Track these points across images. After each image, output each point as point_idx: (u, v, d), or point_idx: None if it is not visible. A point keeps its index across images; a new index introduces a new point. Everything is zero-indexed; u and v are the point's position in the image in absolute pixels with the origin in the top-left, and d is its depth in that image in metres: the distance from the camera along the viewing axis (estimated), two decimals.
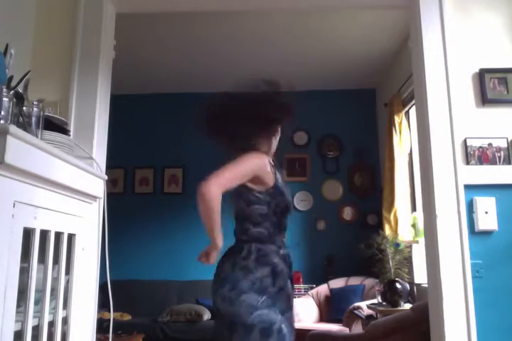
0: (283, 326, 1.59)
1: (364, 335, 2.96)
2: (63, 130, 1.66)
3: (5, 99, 1.23)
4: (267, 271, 1.66)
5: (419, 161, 2.21)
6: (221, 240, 1.64)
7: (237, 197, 1.77)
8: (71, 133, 1.84)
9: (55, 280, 1.39)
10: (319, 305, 4.42)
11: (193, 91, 5.28)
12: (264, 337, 1.54)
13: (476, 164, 1.99)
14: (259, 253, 1.68)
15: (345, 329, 3.68)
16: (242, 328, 1.56)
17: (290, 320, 1.69)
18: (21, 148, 1.13)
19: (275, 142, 1.86)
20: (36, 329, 1.27)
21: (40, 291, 1.29)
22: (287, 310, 1.69)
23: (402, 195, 4.19)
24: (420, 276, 3.72)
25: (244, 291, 1.60)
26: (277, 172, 1.80)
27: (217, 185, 1.54)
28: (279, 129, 1.85)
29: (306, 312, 4.26)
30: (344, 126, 5.24)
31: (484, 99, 2.04)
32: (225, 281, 1.64)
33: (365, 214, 5.01)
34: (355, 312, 3.64)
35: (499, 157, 1.99)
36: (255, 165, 1.68)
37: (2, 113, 1.21)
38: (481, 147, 2.00)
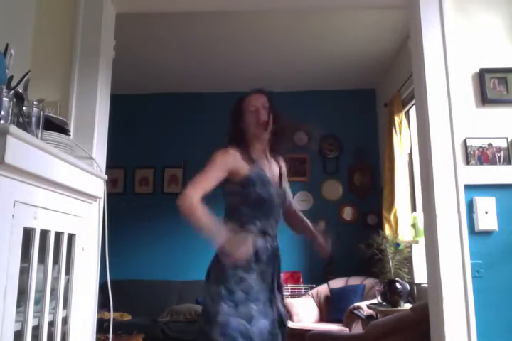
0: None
1: (364, 335, 2.96)
2: (63, 130, 1.65)
3: (5, 99, 1.22)
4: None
5: (419, 161, 2.21)
6: (222, 235, 1.67)
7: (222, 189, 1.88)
8: (71, 133, 1.84)
9: (55, 280, 1.39)
10: (319, 305, 4.42)
11: (193, 91, 5.29)
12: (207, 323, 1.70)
13: (476, 164, 1.99)
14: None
15: (345, 329, 3.68)
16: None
17: (247, 316, 1.70)
18: (21, 148, 1.13)
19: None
20: (36, 329, 1.27)
21: (40, 291, 1.29)
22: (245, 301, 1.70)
23: (402, 195, 4.19)
24: (420, 276, 3.72)
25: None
26: (258, 164, 1.88)
27: (191, 193, 1.70)
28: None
29: (306, 312, 4.26)
30: (344, 126, 5.24)
31: (484, 99, 2.04)
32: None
33: (365, 214, 5.01)
34: (355, 312, 3.64)
35: (499, 157, 1.99)
36: (224, 163, 1.81)
37: (2, 113, 1.21)
38: (481, 147, 2.00)
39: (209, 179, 1.77)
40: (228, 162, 1.82)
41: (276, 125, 1.93)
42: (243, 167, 1.83)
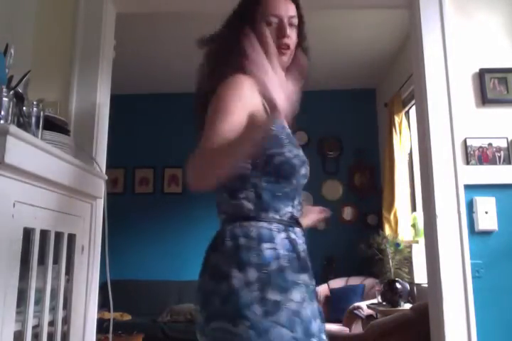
0: None
1: (364, 335, 2.97)
2: (63, 130, 1.66)
3: (5, 99, 1.23)
4: None
5: (419, 161, 2.21)
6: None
7: None
8: (71, 133, 1.84)
9: (55, 280, 1.39)
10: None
11: (194, 91, 5.28)
12: None
13: (476, 164, 1.99)
14: None
15: (345, 329, 3.68)
16: None
17: None
18: (21, 148, 1.13)
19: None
20: (36, 329, 1.27)
21: (40, 291, 1.29)
22: None
23: (402, 195, 4.19)
24: (420, 276, 3.72)
25: None
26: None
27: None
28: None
29: None
30: (344, 126, 5.24)
31: (484, 99, 2.04)
32: None
33: (365, 214, 5.01)
34: (355, 312, 3.64)
35: (499, 157, 1.99)
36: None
37: (2, 113, 1.21)
38: (481, 147, 2.00)
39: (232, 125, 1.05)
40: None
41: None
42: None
